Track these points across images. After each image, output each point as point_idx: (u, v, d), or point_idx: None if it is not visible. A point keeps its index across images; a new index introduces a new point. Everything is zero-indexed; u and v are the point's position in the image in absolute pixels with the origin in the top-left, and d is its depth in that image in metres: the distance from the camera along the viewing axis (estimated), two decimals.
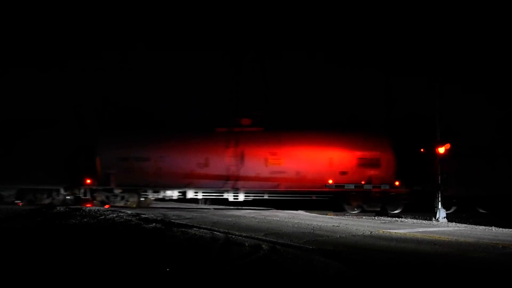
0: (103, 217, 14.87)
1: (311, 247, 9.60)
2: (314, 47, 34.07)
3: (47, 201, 22.67)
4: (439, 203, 17.41)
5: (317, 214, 19.41)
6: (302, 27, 35.41)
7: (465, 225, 15.59)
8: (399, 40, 32.74)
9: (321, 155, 21.23)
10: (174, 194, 22.31)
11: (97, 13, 36.21)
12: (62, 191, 22.84)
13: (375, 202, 20.72)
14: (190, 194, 22.00)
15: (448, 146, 17.41)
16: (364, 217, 18.52)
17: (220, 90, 32.72)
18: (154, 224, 13.19)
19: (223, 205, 23.53)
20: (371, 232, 12.75)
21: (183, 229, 12.05)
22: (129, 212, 16.81)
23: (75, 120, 24.64)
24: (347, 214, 19.99)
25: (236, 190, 21.61)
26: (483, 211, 20.57)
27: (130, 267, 7.66)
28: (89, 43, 34.89)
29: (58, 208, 17.62)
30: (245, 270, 7.47)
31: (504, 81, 28.55)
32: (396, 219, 17.60)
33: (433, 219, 17.15)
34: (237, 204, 22.67)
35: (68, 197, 22.96)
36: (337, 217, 18.36)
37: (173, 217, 15.96)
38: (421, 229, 13.82)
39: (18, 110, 27.59)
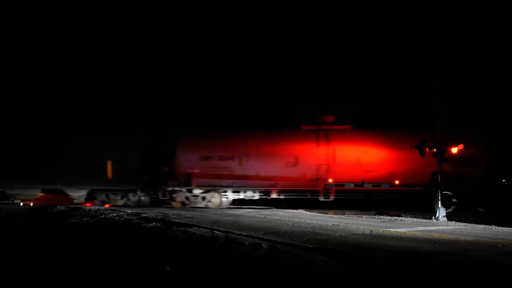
0: (103, 216, 14.86)
1: (311, 246, 9.60)
2: (314, 44, 34.11)
3: (121, 202, 22.13)
4: (439, 202, 17.41)
5: (317, 213, 19.40)
6: (301, 27, 35.42)
7: (465, 224, 15.59)
8: (399, 38, 32.73)
9: (414, 155, 19.13)
10: (255, 194, 21.77)
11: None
12: (139, 191, 22.18)
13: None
14: (274, 194, 21.34)
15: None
16: (364, 216, 18.52)
17: (219, 87, 32.75)
18: (154, 223, 13.20)
19: (306, 207, 21.55)
20: (371, 231, 12.74)
21: (183, 228, 12.05)
22: (129, 211, 16.81)
23: (152, 117, 23.83)
24: (347, 213, 19.98)
25: (327, 191, 21.02)
26: (482, 210, 20.56)
27: (130, 267, 7.66)
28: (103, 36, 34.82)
29: (58, 207, 17.60)
30: (245, 269, 7.48)
31: (504, 80, 28.60)
32: (396, 218, 17.59)
33: (433, 218, 17.16)
34: (322, 206, 21.52)
35: (142, 198, 22.30)
36: (337, 216, 18.36)
37: (173, 216, 15.95)
38: (421, 228, 13.81)
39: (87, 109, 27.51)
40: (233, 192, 21.88)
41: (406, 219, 17.25)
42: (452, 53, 30.79)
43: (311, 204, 21.52)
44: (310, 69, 33.06)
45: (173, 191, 21.91)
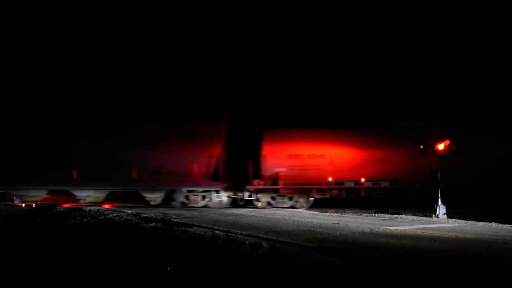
0: (103, 217, 14.86)
1: (311, 245, 9.61)
2: (314, 45, 34.07)
3: (202, 203, 21.45)
4: (439, 199, 17.41)
5: (317, 211, 19.41)
6: (301, 27, 35.37)
7: (465, 221, 15.59)
8: (399, 37, 32.73)
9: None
10: (341, 193, 20.92)
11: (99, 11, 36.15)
12: (222, 192, 21.49)
13: None
14: (363, 192, 20.68)
15: (447, 142, 17.39)
16: (364, 214, 18.53)
17: (219, 88, 32.71)
18: (154, 223, 13.20)
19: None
20: (371, 229, 12.75)
21: (183, 228, 12.06)
22: (129, 211, 16.80)
23: (235, 115, 23.37)
24: (347, 211, 19.98)
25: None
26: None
27: (131, 267, 7.66)
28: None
29: (58, 208, 17.60)
30: (245, 269, 7.47)
31: (504, 79, 28.62)
32: (396, 216, 17.60)
33: (433, 215, 17.16)
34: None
35: (224, 199, 21.63)
36: (337, 214, 18.37)
37: (173, 216, 15.96)
38: (421, 226, 13.82)
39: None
40: (318, 191, 21.10)
41: (406, 217, 17.25)
42: (451, 51, 30.80)
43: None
44: (310, 69, 33.00)
45: (258, 191, 21.33)
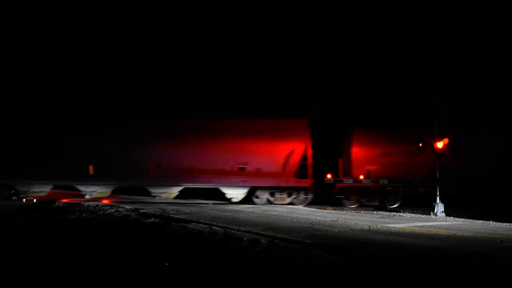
0: (101, 212, 14.87)
1: (309, 242, 9.62)
2: (314, 44, 34.05)
3: (288, 200, 21.16)
4: (438, 197, 17.44)
5: (316, 208, 19.45)
6: (300, 27, 35.33)
7: (463, 219, 15.63)
8: (398, 36, 32.71)
9: None
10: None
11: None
12: (308, 189, 21.09)
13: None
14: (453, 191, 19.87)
15: (446, 140, 17.40)
16: (362, 211, 18.57)
17: (218, 87, 32.72)
18: (152, 219, 13.21)
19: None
20: (369, 226, 12.78)
21: (182, 224, 12.07)
22: (127, 207, 16.80)
23: (321, 111, 22.84)
24: (346, 209, 20.02)
25: None
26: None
27: (129, 262, 7.67)
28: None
29: (56, 203, 17.60)
30: (244, 265, 7.49)
31: (503, 78, 28.63)
32: (395, 213, 17.65)
33: (432, 213, 17.19)
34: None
35: (309, 196, 21.24)
36: (335, 211, 18.40)
37: (172, 212, 15.97)
38: (419, 224, 13.85)
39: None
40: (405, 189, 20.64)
41: (404, 214, 17.31)
42: (450, 50, 30.80)
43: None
44: (309, 69, 32.99)
45: (347, 189, 21.03)
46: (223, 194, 21.76)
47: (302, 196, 21.29)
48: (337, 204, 21.17)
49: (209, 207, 19.53)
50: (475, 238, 10.75)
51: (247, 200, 21.59)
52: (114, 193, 22.88)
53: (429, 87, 19.93)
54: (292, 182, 21.06)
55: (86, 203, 17.67)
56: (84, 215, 14.20)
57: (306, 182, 21.03)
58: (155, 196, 21.89)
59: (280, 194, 21.34)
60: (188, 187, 21.97)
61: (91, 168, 21.62)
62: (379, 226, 12.93)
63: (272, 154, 21.18)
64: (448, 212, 17.21)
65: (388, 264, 7.75)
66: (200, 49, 33.67)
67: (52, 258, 7.99)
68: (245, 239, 9.65)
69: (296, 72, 33.05)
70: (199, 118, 22.64)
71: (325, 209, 19.55)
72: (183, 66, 33.25)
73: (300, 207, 20.14)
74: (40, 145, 21.78)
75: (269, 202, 21.35)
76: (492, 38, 30.72)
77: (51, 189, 22.42)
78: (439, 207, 17.21)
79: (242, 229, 11.42)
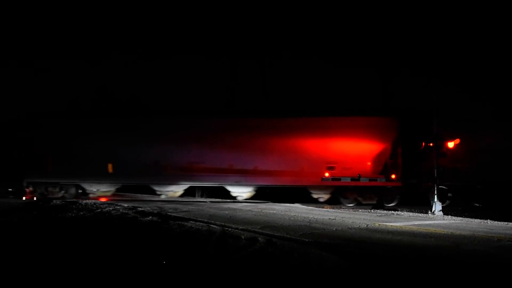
0: (99, 210, 14.87)
1: (307, 240, 9.63)
2: (312, 46, 34.03)
3: (376, 200, 20.73)
4: (435, 196, 17.47)
5: (314, 207, 19.46)
6: (300, 26, 35.28)
7: (461, 218, 15.66)
8: (397, 36, 32.71)
9: None
10: None
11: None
12: (397, 189, 20.70)
13: None
14: None
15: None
16: (360, 210, 18.60)
17: (217, 89, 32.74)
18: (150, 217, 13.21)
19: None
20: (367, 225, 12.79)
21: (180, 222, 12.07)
22: (125, 205, 16.81)
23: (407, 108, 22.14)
24: (343, 207, 20.06)
25: None
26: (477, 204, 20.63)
27: (126, 260, 7.67)
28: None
29: (54, 201, 17.60)
30: (241, 263, 7.49)
31: (503, 78, 28.66)
32: (392, 212, 17.67)
33: (429, 212, 17.22)
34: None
35: (398, 196, 20.81)
36: (333, 210, 18.42)
37: (170, 210, 15.97)
38: (417, 222, 13.87)
39: None
40: None
41: (402, 213, 17.33)
42: (449, 49, 30.80)
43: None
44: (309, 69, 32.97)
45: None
46: (310, 194, 21.52)
47: (389, 195, 20.97)
48: (334, 202, 21.21)
49: (207, 205, 19.54)
50: (473, 237, 10.77)
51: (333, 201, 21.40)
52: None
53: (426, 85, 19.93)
54: (381, 182, 20.80)
55: (84, 201, 17.67)
56: (81, 213, 14.19)
57: (396, 182, 20.71)
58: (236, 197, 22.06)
59: (370, 194, 21.09)
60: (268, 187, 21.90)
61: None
62: (376, 224, 12.95)
63: (359, 152, 20.84)
64: (445, 211, 17.24)
65: (385, 263, 7.76)
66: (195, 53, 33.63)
67: (49, 255, 7.99)
68: (243, 237, 9.66)
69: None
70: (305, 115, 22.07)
71: (322, 207, 19.57)
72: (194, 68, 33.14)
73: (298, 205, 20.14)
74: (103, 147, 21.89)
75: (357, 201, 21.12)
76: (492, 38, 30.75)
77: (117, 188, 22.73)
78: (437, 206, 17.24)
79: (240, 227, 11.43)
